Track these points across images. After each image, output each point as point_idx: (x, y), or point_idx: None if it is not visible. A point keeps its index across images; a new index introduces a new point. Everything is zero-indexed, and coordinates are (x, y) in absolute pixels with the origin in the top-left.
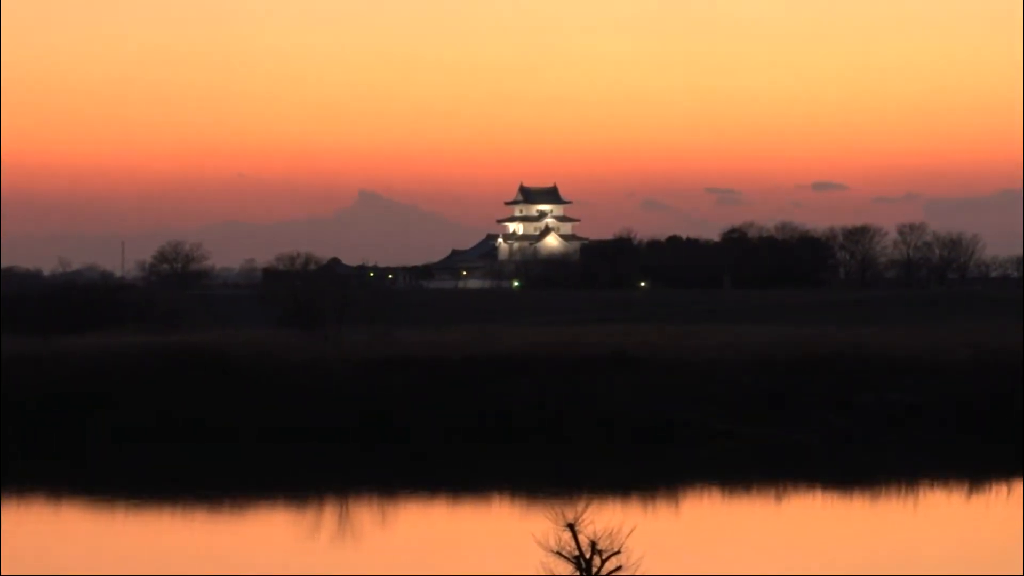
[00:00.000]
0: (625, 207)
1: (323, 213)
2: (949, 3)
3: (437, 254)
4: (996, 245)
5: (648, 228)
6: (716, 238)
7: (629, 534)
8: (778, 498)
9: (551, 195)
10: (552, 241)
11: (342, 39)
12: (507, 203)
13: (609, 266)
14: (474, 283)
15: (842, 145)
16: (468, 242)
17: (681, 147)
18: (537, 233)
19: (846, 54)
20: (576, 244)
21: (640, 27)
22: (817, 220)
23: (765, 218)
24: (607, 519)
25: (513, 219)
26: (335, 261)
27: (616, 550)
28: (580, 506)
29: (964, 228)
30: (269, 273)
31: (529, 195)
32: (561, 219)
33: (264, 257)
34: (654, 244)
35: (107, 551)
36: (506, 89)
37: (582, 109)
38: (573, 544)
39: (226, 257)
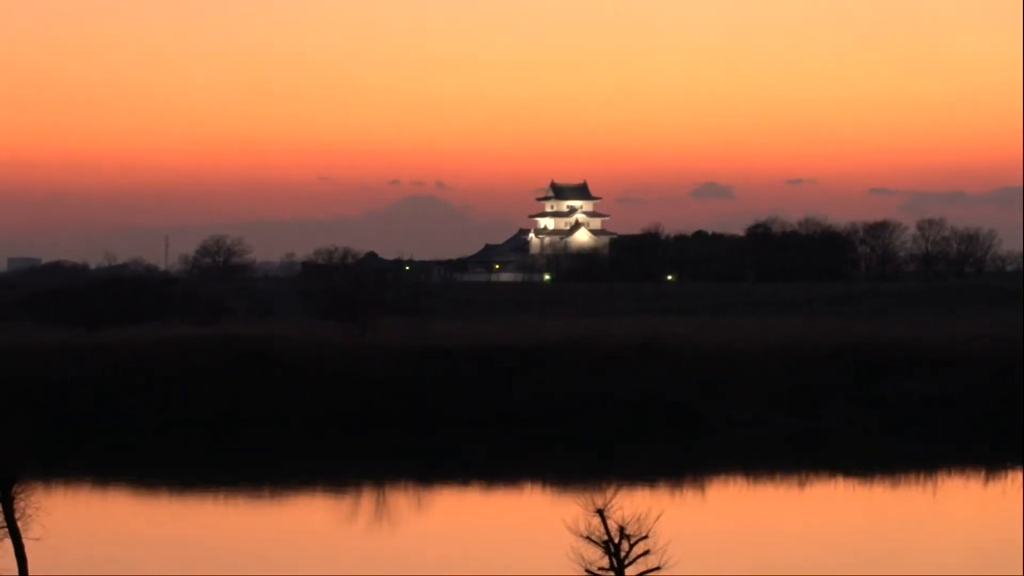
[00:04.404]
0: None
1: (360, 210)
2: (938, 4)
3: (471, 248)
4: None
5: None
6: (740, 232)
7: (657, 519)
8: (801, 485)
9: (581, 191)
10: (582, 236)
11: (389, 40)
12: (538, 199)
13: (638, 260)
14: (506, 276)
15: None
16: (500, 237)
17: (675, 144)
18: (568, 228)
19: (834, 55)
20: (605, 238)
21: (658, 28)
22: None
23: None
24: (635, 505)
25: (544, 214)
26: (372, 255)
27: (644, 535)
28: (609, 492)
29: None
30: (308, 267)
31: (560, 191)
32: (591, 214)
33: (303, 251)
34: (681, 239)
35: (149, 537)
36: (538, 88)
37: (612, 108)
38: (602, 529)
39: (266, 251)
